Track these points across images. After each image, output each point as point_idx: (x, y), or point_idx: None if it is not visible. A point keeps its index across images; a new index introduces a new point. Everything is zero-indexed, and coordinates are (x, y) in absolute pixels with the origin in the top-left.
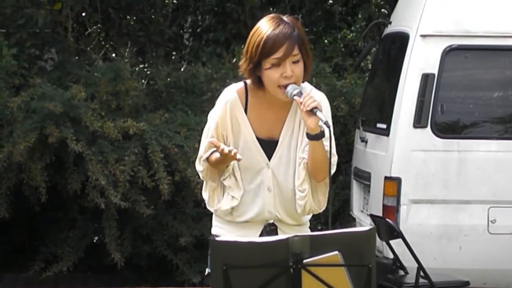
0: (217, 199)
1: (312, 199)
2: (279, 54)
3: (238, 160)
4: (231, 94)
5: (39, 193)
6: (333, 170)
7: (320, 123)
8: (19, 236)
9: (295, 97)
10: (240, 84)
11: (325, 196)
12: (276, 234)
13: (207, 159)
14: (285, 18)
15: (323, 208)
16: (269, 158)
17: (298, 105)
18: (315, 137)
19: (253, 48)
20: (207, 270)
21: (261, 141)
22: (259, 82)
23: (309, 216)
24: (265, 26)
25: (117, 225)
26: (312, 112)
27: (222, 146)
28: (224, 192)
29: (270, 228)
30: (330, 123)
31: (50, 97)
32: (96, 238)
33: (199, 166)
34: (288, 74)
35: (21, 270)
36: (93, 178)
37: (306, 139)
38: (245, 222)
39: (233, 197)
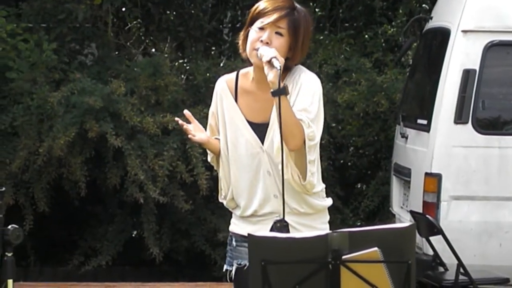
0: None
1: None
2: (265, 19)
3: (192, 135)
4: (220, 84)
5: (78, 187)
6: (311, 142)
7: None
8: (58, 230)
9: (255, 51)
10: (232, 74)
11: (308, 168)
12: (288, 230)
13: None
14: (296, 4)
15: (308, 181)
16: (263, 141)
17: (261, 59)
18: (275, 92)
19: (250, 13)
20: (225, 267)
21: (253, 125)
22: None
23: (323, 203)
24: None
25: (156, 219)
26: (270, 63)
27: (180, 121)
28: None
29: (281, 224)
30: (321, 103)
31: (90, 92)
32: (134, 232)
33: (208, 157)
34: (264, 39)
35: (60, 264)
36: (132, 173)
37: None
38: (253, 216)
39: (222, 188)
